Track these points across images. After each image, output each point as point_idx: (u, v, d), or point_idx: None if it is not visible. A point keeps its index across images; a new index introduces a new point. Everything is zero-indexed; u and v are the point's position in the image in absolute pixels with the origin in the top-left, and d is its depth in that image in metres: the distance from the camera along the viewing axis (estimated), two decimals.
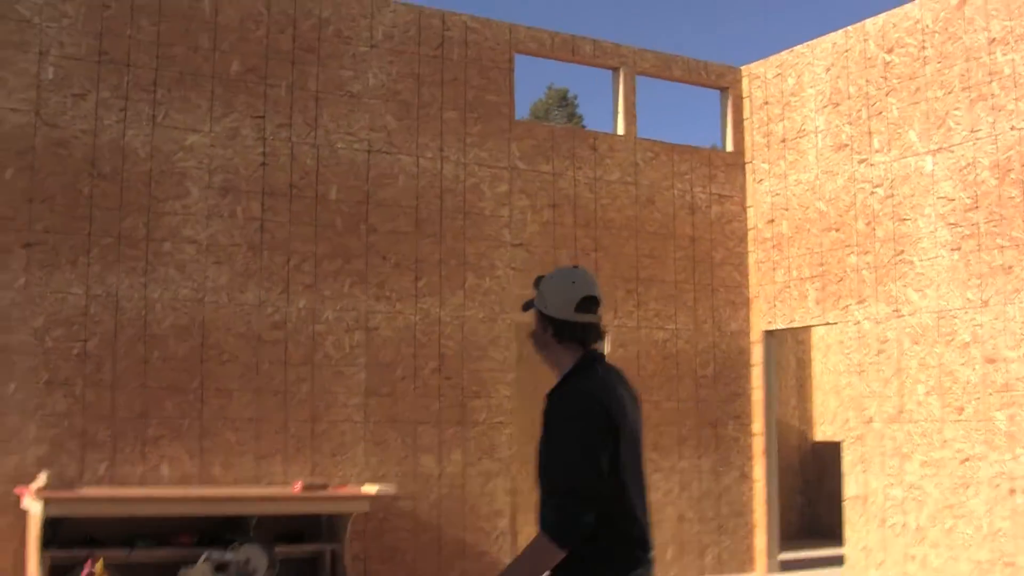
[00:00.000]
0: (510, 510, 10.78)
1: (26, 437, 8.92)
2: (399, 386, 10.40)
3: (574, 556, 3.63)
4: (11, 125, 9.15)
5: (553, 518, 3.58)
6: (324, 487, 9.44)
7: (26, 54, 9.25)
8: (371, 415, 10.24)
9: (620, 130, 11.97)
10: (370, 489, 9.54)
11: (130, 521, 8.88)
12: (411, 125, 10.78)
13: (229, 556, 8.86)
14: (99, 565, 8.52)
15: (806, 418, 15.74)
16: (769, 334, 12.21)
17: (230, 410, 9.69)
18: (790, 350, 15.66)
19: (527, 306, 3.99)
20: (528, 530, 13.17)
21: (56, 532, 8.62)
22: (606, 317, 11.50)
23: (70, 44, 9.40)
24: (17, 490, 8.67)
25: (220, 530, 9.17)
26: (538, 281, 3.98)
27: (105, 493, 8.76)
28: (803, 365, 15.74)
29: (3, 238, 9.03)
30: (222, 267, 9.83)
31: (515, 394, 11.01)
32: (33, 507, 8.32)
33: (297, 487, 9.36)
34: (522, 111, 42.99)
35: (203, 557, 8.76)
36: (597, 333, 3.92)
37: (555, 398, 3.78)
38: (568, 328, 3.85)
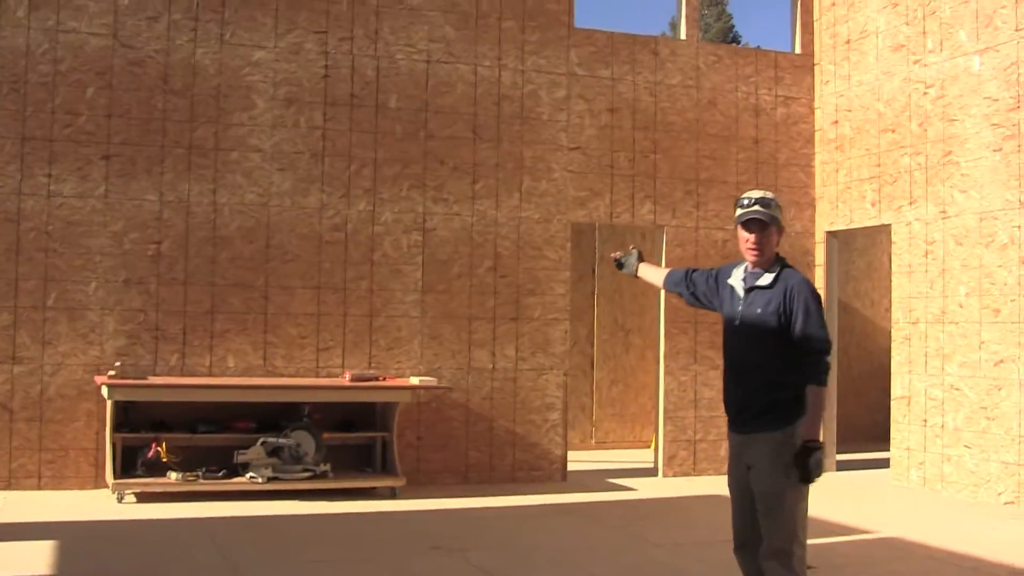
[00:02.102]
0: (562, 404, 11.33)
1: (106, 330, 9.95)
2: (455, 284, 11.01)
3: (800, 394, 5.04)
4: (92, 48, 10.03)
5: (820, 369, 5.01)
6: (374, 379, 10.17)
7: None
8: (427, 311, 10.90)
9: (683, 35, 12.13)
10: (413, 380, 10.24)
11: (194, 408, 9.82)
12: (469, 35, 11.21)
13: (282, 441, 9.75)
14: (163, 446, 9.54)
15: None
16: (832, 234, 12.30)
17: (292, 306, 10.50)
18: (883, 250, 15.51)
19: (771, 220, 5.23)
20: (605, 422, 13.61)
21: (128, 417, 9.65)
22: (664, 217, 11.82)
23: None
24: (96, 379, 9.71)
25: (277, 417, 10.04)
26: (770, 202, 5.22)
27: (167, 381, 9.72)
28: None
29: (85, 151, 9.97)
30: (286, 173, 10.57)
31: (570, 292, 11.45)
32: (107, 394, 9.32)
33: (346, 377, 10.13)
34: (670, 10, 42.18)
35: (259, 441, 9.67)
36: None
37: (801, 281, 5.14)
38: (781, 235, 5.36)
